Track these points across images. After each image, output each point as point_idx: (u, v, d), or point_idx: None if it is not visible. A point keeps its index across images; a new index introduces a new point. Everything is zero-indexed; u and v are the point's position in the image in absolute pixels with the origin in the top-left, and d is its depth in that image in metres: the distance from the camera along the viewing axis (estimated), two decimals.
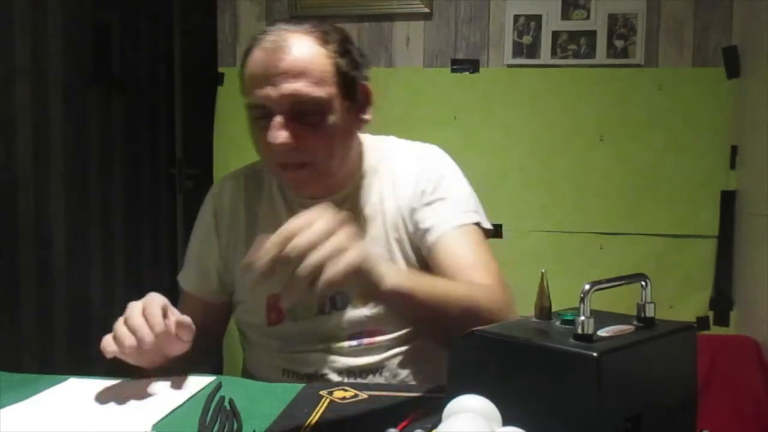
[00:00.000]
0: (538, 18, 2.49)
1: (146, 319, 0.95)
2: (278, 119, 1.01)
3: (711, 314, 2.43)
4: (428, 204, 1.13)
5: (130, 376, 1.03)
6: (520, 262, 2.44)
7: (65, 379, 1.02)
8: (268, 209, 1.18)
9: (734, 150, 2.40)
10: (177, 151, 3.56)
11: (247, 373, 1.25)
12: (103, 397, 0.95)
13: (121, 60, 3.11)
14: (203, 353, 1.15)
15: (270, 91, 1.01)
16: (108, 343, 0.94)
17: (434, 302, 0.92)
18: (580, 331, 0.69)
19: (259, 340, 1.20)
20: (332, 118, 1.04)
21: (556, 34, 2.48)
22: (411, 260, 1.14)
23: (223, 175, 1.28)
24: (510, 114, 2.51)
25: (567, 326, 0.74)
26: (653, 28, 2.44)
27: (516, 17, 2.50)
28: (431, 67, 2.57)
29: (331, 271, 0.76)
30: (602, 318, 0.74)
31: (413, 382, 1.14)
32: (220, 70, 2.67)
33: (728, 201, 2.40)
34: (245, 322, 1.23)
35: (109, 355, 0.94)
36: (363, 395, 0.96)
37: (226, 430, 0.82)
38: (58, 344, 2.69)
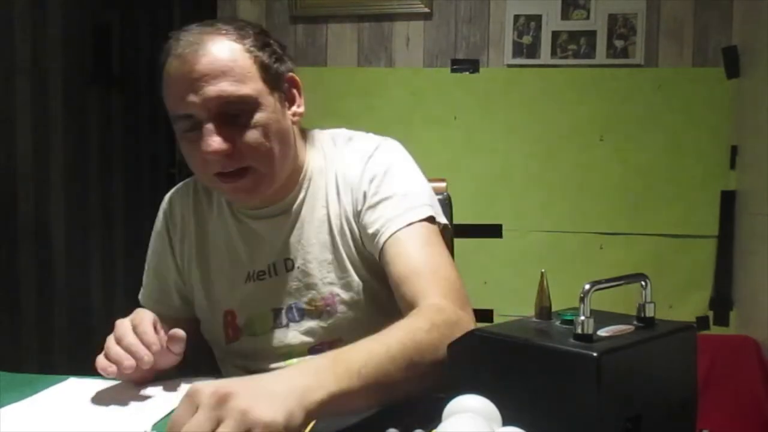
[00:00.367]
0: (538, 18, 2.49)
1: (139, 337, 0.93)
2: (208, 126, 0.96)
3: (711, 314, 2.43)
4: (372, 207, 1.04)
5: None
6: (520, 262, 2.45)
7: (65, 379, 1.02)
8: (217, 222, 1.13)
9: (734, 150, 2.40)
10: (177, 151, 3.56)
11: None
12: (103, 397, 0.95)
13: (121, 60, 3.11)
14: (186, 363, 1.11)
15: (193, 97, 0.96)
16: (106, 364, 0.92)
17: (374, 392, 0.78)
18: (580, 331, 0.69)
19: (223, 357, 1.17)
20: (263, 116, 0.99)
21: (556, 34, 2.48)
22: (360, 268, 1.07)
23: (174, 188, 1.20)
24: (510, 114, 2.51)
25: (567, 326, 0.74)
26: (653, 28, 2.44)
27: (516, 17, 2.50)
28: (431, 67, 2.57)
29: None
30: (602, 318, 0.74)
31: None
32: None
33: (728, 201, 2.40)
34: (209, 341, 1.19)
35: (108, 376, 0.93)
36: None
37: None
38: (58, 344, 2.69)
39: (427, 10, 2.55)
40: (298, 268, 1.08)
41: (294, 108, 1.07)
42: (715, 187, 2.41)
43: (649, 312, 0.76)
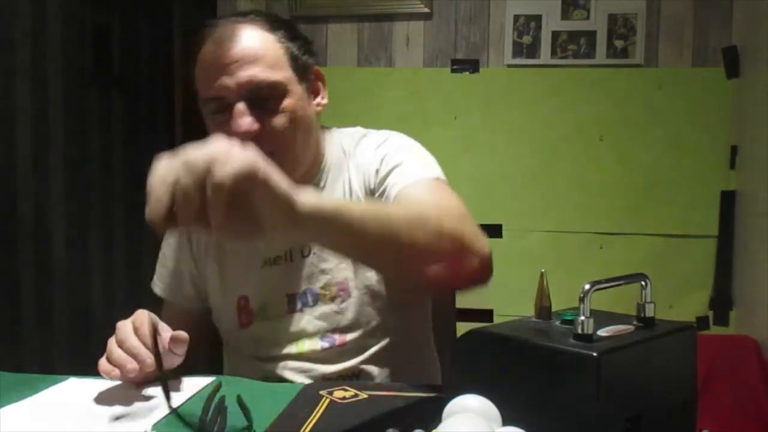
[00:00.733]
0: (538, 18, 2.49)
1: (141, 340, 0.93)
2: (240, 106, 1.00)
3: (711, 314, 2.43)
4: (384, 177, 1.06)
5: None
6: (520, 262, 2.45)
7: (65, 379, 1.02)
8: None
9: (734, 150, 2.40)
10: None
11: None
12: (103, 397, 0.95)
13: (121, 60, 3.11)
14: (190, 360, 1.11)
15: (226, 80, 1.00)
16: (108, 368, 0.93)
17: (370, 222, 0.78)
18: (580, 331, 0.69)
19: (236, 345, 1.18)
20: (290, 102, 1.03)
21: (556, 34, 2.48)
22: None
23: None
24: (510, 114, 2.51)
25: (567, 326, 0.74)
26: (653, 28, 2.45)
27: (516, 17, 2.50)
28: (431, 67, 2.57)
29: (219, 173, 0.62)
30: (602, 318, 0.74)
31: (400, 377, 1.12)
32: None
33: (728, 201, 2.40)
34: (221, 329, 1.20)
35: (111, 379, 0.94)
36: (363, 395, 0.96)
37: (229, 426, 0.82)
38: (58, 344, 2.69)
39: (427, 10, 2.55)
40: (315, 254, 1.10)
41: (318, 99, 1.11)
42: (715, 187, 2.41)
43: (649, 312, 0.76)
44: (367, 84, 2.58)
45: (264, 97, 1.01)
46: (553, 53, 2.48)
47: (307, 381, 1.09)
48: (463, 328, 0.97)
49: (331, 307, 1.10)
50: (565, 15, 2.47)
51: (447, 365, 1.02)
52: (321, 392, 0.96)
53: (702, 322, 2.42)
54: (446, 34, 2.57)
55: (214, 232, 0.65)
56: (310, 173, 1.12)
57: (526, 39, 2.50)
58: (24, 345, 2.52)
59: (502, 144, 2.51)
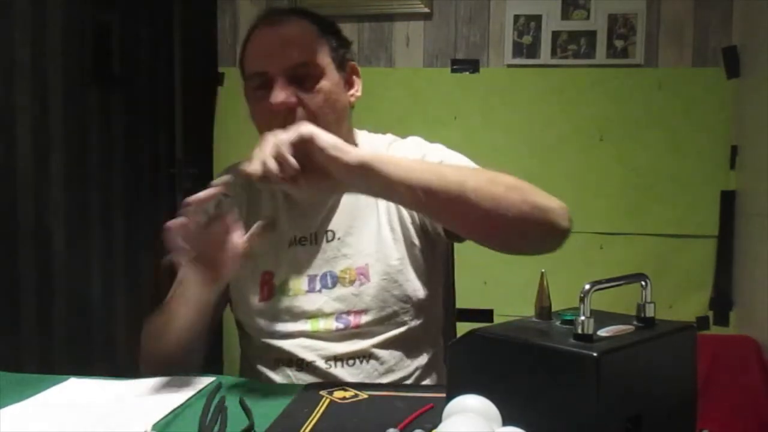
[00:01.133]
0: (538, 18, 2.49)
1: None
2: (280, 81, 1.09)
3: (711, 314, 2.43)
4: None
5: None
6: (520, 262, 2.44)
7: (65, 379, 1.02)
8: (266, 195, 1.23)
9: (734, 150, 2.40)
10: (177, 151, 3.56)
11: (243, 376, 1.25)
12: (103, 397, 0.95)
13: (121, 60, 3.11)
14: (196, 344, 1.14)
15: (271, 57, 1.11)
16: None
17: (422, 175, 0.90)
18: (580, 331, 0.69)
19: (252, 323, 1.20)
20: (326, 84, 1.12)
21: (556, 34, 2.48)
22: (400, 244, 1.16)
23: (231, 164, 1.29)
24: (510, 114, 2.51)
25: (567, 326, 0.74)
26: (653, 28, 2.45)
27: (516, 17, 2.50)
28: (431, 67, 2.57)
29: (283, 137, 0.86)
30: (602, 318, 0.74)
31: (402, 371, 1.16)
32: (220, 70, 2.67)
33: (728, 201, 2.40)
34: (238, 309, 1.23)
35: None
36: (363, 395, 0.96)
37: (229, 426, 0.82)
38: (58, 344, 2.69)
39: (427, 10, 2.55)
40: (339, 239, 1.17)
41: (352, 91, 1.21)
42: (715, 187, 2.41)
43: (649, 312, 0.76)
44: (367, 84, 2.55)
45: (303, 76, 1.10)
46: (553, 53, 2.48)
47: (319, 360, 1.14)
48: (463, 328, 0.97)
49: (350, 290, 1.15)
50: (565, 15, 2.47)
51: (447, 365, 1.03)
52: (321, 392, 0.96)
53: (702, 322, 2.41)
54: (446, 34, 2.57)
55: (292, 183, 0.86)
56: None
57: (526, 39, 2.50)
58: (24, 345, 2.52)
59: (502, 144, 2.51)
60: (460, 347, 0.77)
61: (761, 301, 2.17)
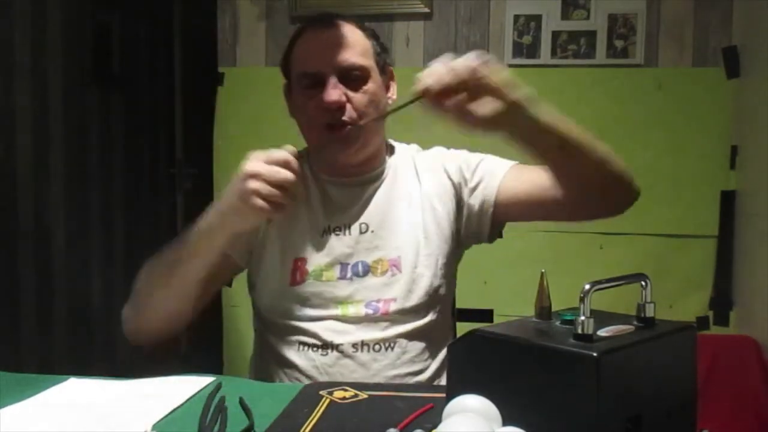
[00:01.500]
0: (538, 18, 2.49)
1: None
2: (333, 80, 1.17)
3: (711, 314, 2.43)
4: (474, 171, 1.26)
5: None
6: (520, 262, 2.45)
7: (65, 379, 1.02)
8: (302, 187, 1.26)
9: (734, 150, 2.40)
10: (177, 151, 3.56)
11: (256, 368, 1.30)
12: (103, 397, 0.95)
13: (121, 60, 3.11)
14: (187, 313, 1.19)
15: (324, 58, 1.18)
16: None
17: (566, 125, 1.05)
18: (580, 331, 0.69)
19: (279, 308, 1.22)
20: (372, 86, 1.20)
21: (556, 34, 2.48)
22: (432, 238, 1.23)
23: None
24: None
25: (567, 326, 0.74)
26: (653, 28, 2.45)
27: (516, 17, 2.50)
28: None
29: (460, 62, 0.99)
30: (602, 318, 0.74)
31: (422, 363, 1.20)
32: (220, 70, 2.67)
33: (728, 201, 2.40)
34: (264, 290, 1.25)
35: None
36: (363, 395, 0.96)
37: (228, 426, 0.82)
38: (58, 344, 2.69)
39: (427, 10, 2.55)
40: (372, 232, 1.23)
41: (389, 93, 1.29)
42: (715, 187, 2.41)
43: (649, 312, 0.76)
44: None
45: (352, 77, 1.18)
46: (553, 53, 2.48)
47: (346, 344, 1.18)
48: (463, 328, 0.97)
49: (381, 280, 1.21)
50: (565, 15, 2.47)
51: (447, 365, 1.03)
52: (321, 392, 0.96)
53: (702, 322, 2.41)
54: (446, 34, 2.57)
55: (458, 113, 0.96)
56: (377, 160, 1.28)
57: (526, 39, 2.50)
58: (24, 345, 2.52)
59: (502, 144, 2.50)
60: (460, 347, 0.77)
61: (761, 301, 2.17)
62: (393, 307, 1.19)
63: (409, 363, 1.19)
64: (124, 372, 1.10)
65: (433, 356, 1.23)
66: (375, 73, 1.22)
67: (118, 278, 3.07)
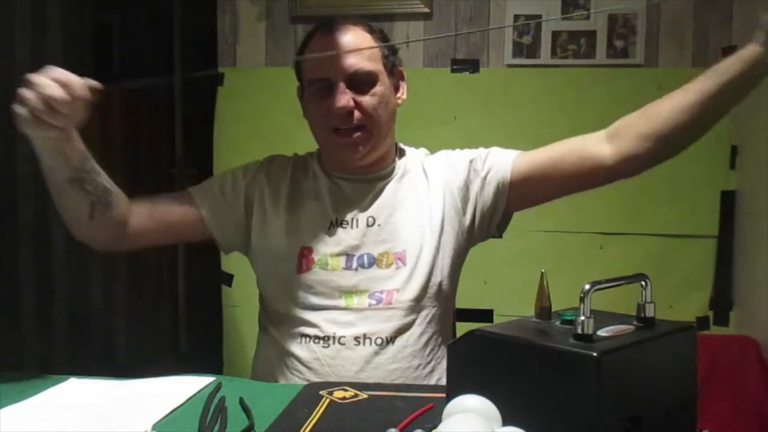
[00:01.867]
0: (538, 18, 2.48)
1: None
2: (341, 86, 1.21)
3: (711, 314, 2.43)
4: (485, 161, 1.30)
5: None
6: (520, 262, 2.45)
7: (65, 379, 1.02)
8: (311, 182, 1.32)
9: (734, 150, 2.40)
10: (177, 151, 3.56)
11: (258, 363, 1.31)
12: (103, 397, 0.95)
13: (121, 60, 3.11)
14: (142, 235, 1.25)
15: (333, 66, 1.21)
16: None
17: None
18: (580, 331, 0.69)
19: (284, 295, 1.25)
20: (380, 89, 1.24)
21: (556, 34, 2.48)
22: (437, 234, 1.25)
23: (276, 154, 1.39)
24: (510, 114, 2.51)
25: (567, 326, 0.74)
26: (653, 28, 2.44)
27: (516, 17, 2.50)
28: (431, 67, 2.57)
29: None
30: (602, 318, 0.74)
31: (423, 358, 1.22)
32: (220, 70, 2.67)
33: (728, 201, 2.40)
34: (270, 277, 1.29)
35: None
36: (363, 395, 0.96)
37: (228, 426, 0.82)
38: (58, 344, 2.69)
39: (427, 10, 2.55)
40: (379, 225, 1.25)
41: (399, 94, 1.33)
42: (715, 187, 2.41)
43: (649, 312, 0.76)
44: None
45: (360, 82, 1.22)
46: (553, 53, 2.48)
47: (348, 336, 1.20)
48: (463, 328, 0.97)
49: (386, 272, 1.23)
50: (565, 15, 2.47)
51: (447, 365, 1.04)
52: (321, 392, 0.96)
53: (702, 322, 2.41)
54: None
55: None
56: (386, 161, 1.32)
57: (526, 39, 2.50)
58: (24, 345, 2.52)
59: (502, 144, 2.49)
60: (460, 347, 0.77)
61: (761, 301, 2.17)
62: (396, 298, 1.22)
63: (410, 357, 1.21)
64: (124, 372, 1.10)
65: (434, 351, 1.24)
66: (383, 76, 1.25)
67: (119, 278, 3.07)
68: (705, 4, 2.42)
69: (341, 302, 1.22)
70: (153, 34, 3.43)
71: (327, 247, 1.25)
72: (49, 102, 0.99)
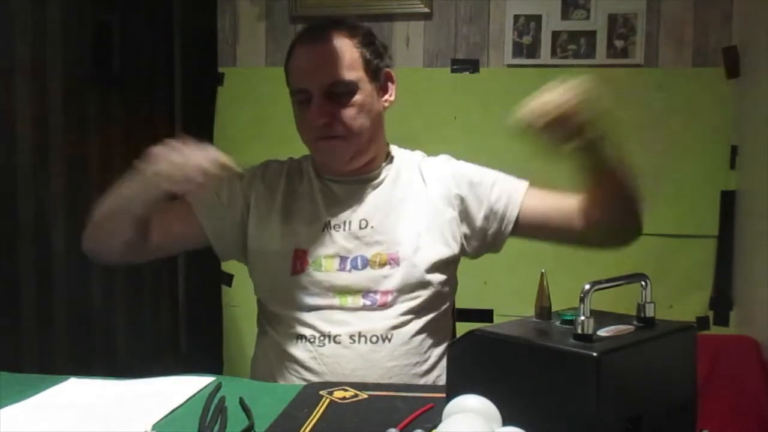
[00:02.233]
0: (538, 18, 2.49)
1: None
2: (316, 100, 1.21)
3: (711, 314, 2.43)
4: (492, 188, 1.32)
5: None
6: (520, 262, 2.44)
7: (65, 379, 1.02)
8: (305, 186, 1.33)
9: (734, 150, 2.40)
10: None
11: (257, 364, 1.32)
12: (103, 397, 0.95)
13: (121, 60, 3.11)
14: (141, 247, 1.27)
15: (311, 77, 1.22)
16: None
17: (623, 166, 1.19)
18: (580, 331, 0.69)
19: (280, 295, 1.27)
20: (360, 98, 1.24)
21: (556, 34, 2.48)
22: (432, 238, 1.26)
23: (271, 159, 1.40)
24: (510, 114, 2.50)
25: (567, 326, 0.74)
26: (653, 28, 2.44)
27: (516, 17, 2.50)
28: (431, 67, 2.57)
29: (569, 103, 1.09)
30: (602, 318, 0.74)
31: (419, 356, 1.22)
32: (220, 70, 2.67)
33: (728, 201, 2.40)
34: (265, 279, 1.31)
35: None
36: (363, 395, 0.96)
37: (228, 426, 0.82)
38: (58, 344, 2.69)
39: (427, 10, 2.55)
40: (372, 227, 1.26)
41: (386, 96, 1.32)
42: (715, 187, 2.41)
43: (649, 312, 0.76)
44: None
45: (339, 93, 1.22)
46: (553, 53, 2.48)
47: (344, 335, 1.20)
48: (463, 328, 0.97)
49: (379, 272, 1.24)
50: (565, 15, 2.47)
51: (447, 365, 1.04)
52: (321, 392, 0.96)
53: (702, 322, 2.41)
54: (446, 34, 2.57)
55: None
56: (379, 160, 1.32)
57: (526, 39, 2.50)
58: (24, 345, 2.52)
59: (502, 144, 2.49)
60: (460, 347, 0.77)
61: (761, 301, 2.17)
62: (390, 298, 1.22)
63: (406, 354, 1.21)
64: (124, 372, 1.10)
65: (431, 349, 1.25)
66: (364, 83, 1.25)
67: (119, 278, 3.07)
68: (705, 4, 2.42)
69: (336, 301, 1.23)
70: (153, 34, 3.43)
71: (321, 249, 1.26)
72: (201, 172, 1.08)
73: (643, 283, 0.76)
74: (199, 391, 0.97)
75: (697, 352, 0.77)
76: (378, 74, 1.29)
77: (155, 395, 0.95)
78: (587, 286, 0.71)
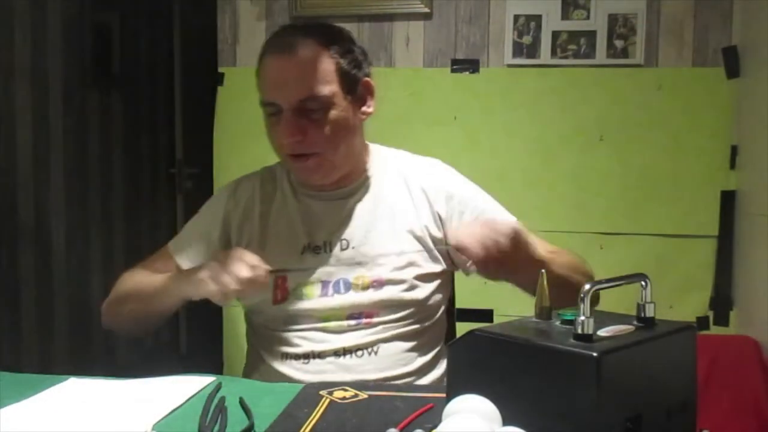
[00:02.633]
0: (538, 18, 2.48)
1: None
2: (287, 117, 1.14)
3: (711, 314, 2.43)
4: (481, 211, 1.28)
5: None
6: None
7: (65, 379, 1.02)
8: (280, 203, 1.27)
9: (734, 150, 2.40)
10: (177, 151, 3.56)
11: (249, 374, 1.28)
12: (103, 397, 0.95)
13: (121, 60, 3.11)
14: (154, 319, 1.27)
15: (280, 91, 1.14)
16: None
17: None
18: (580, 331, 0.69)
19: (263, 321, 1.25)
20: (334, 113, 1.16)
21: (556, 34, 2.48)
22: (433, 262, 1.22)
23: (243, 175, 1.34)
24: (510, 114, 2.51)
25: (567, 326, 0.74)
26: (653, 28, 2.44)
27: (516, 17, 2.50)
28: (431, 67, 2.57)
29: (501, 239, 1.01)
30: (602, 318, 0.74)
31: (407, 366, 1.19)
32: (220, 70, 2.67)
33: (728, 201, 2.40)
34: (250, 307, 1.29)
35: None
36: (363, 395, 0.96)
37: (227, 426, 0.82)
38: (58, 344, 2.69)
39: (427, 10, 2.55)
40: (353, 248, 1.21)
41: (364, 108, 1.23)
42: (715, 187, 2.41)
43: (649, 312, 0.76)
44: None
45: (311, 108, 1.14)
46: (553, 53, 2.48)
47: (328, 351, 1.18)
48: (463, 328, 0.97)
49: (363, 295, 1.19)
50: (565, 15, 2.47)
51: (447, 365, 1.04)
52: (321, 392, 0.96)
53: (702, 322, 2.41)
54: (446, 34, 2.57)
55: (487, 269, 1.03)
56: (352, 176, 1.25)
57: (526, 39, 2.50)
58: (24, 345, 2.52)
59: (502, 144, 2.50)
60: (460, 347, 0.77)
61: (761, 301, 2.17)
62: (376, 319, 1.19)
63: (393, 366, 1.18)
64: (124, 372, 1.10)
65: (420, 357, 1.22)
66: (338, 98, 1.16)
67: (118, 278, 3.08)
68: (705, 4, 2.42)
69: (319, 325, 1.20)
70: (153, 34, 3.43)
71: (301, 276, 1.21)
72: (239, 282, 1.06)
73: (643, 283, 0.76)
74: (199, 391, 0.97)
75: (697, 352, 0.77)
76: (355, 86, 1.20)
77: (155, 395, 0.95)
78: (587, 286, 0.71)
